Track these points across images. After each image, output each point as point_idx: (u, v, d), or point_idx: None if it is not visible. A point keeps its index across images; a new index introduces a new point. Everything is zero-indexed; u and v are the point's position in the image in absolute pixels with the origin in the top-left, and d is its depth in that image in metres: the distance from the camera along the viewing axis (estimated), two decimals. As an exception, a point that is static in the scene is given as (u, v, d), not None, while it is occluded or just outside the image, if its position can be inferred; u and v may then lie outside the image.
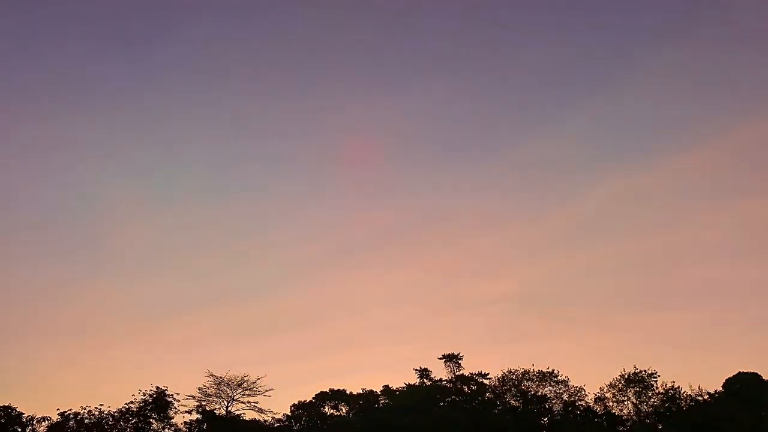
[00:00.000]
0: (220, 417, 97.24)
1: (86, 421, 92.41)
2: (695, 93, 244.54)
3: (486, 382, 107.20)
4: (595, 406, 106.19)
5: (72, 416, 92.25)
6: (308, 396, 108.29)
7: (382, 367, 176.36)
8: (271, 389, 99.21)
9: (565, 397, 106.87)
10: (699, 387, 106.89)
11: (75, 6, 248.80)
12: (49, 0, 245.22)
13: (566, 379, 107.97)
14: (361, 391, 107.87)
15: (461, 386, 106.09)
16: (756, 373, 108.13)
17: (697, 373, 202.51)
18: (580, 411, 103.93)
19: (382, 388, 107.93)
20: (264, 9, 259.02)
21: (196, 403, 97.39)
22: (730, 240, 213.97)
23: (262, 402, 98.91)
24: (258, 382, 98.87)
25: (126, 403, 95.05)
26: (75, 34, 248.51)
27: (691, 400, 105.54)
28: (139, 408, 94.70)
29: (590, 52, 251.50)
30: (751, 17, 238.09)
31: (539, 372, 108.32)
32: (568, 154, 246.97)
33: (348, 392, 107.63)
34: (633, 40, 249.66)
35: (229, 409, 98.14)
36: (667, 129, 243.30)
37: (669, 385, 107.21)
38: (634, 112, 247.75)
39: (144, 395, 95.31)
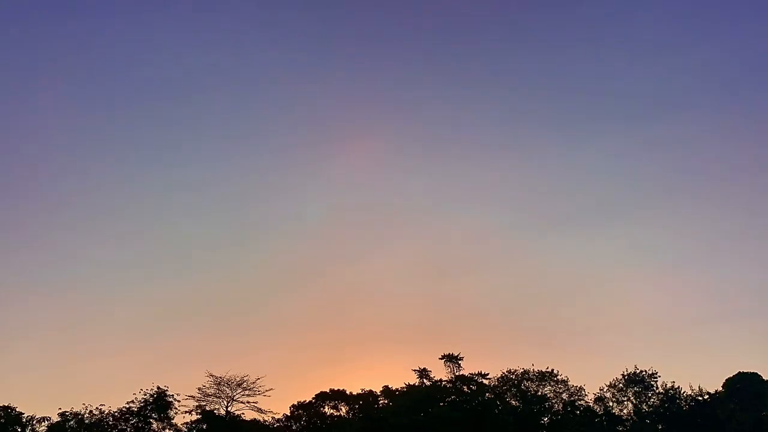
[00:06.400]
0: (219, 417, 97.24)
1: (86, 421, 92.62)
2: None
3: (486, 382, 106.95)
4: (595, 406, 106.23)
5: (72, 416, 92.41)
6: (308, 396, 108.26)
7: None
8: (271, 389, 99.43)
9: (565, 397, 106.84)
10: (699, 387, 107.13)
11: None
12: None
13: (566, 378, 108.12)
14: (360, 392, 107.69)
15: (461, 386, 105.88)
16: (756, 373, 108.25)
17: (697, 373, 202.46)
18: (580, 411, 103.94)
19: (381, 389, 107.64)
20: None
21: (196, 403, 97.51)
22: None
23: (262, 402, 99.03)
24: (258, 382, 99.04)
25: (126, 403, 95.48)
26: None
27: (691, 400, 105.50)
28: (139, 408, 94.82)
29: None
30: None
31: (539, 372, 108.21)
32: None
33: (348, 392, 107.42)
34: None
35: (229, 409, 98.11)
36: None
37: (669, 385, 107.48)
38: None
39: (144, 395, 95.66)
